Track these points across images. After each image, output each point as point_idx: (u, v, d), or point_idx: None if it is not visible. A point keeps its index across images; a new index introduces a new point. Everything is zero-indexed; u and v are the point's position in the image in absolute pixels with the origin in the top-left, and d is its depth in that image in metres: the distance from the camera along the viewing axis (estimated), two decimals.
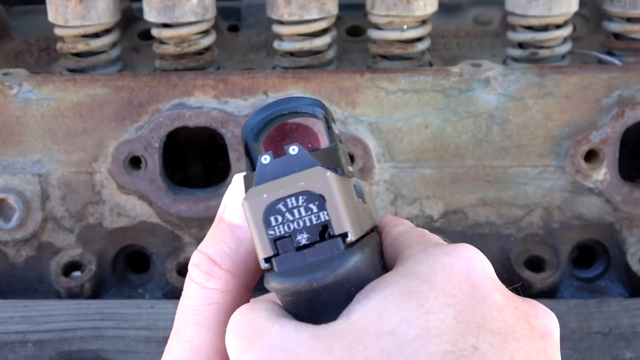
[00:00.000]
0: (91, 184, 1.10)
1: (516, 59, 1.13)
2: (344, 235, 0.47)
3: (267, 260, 0.47)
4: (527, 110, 1.07)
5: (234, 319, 0.48)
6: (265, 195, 0.47)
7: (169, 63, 1.12)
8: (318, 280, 0.46)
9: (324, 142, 0.55)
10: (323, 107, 0.54)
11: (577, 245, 1.12)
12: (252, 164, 0.53)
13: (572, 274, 1.13)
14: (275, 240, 0.47)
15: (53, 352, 0.96)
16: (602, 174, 1.08)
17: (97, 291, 1.11)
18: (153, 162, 1.08)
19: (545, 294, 1.08)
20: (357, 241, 0.48)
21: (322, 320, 0.46)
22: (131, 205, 1.10)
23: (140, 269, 1.15)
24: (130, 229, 1.11)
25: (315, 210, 0.47)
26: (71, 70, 1.13)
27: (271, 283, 0.47)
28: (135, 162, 1.09)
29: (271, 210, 0.47)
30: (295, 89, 1.06)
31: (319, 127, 0.56)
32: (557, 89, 1.06)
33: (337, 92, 1.06)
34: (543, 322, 0.48)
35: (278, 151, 0.52)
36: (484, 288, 0.47)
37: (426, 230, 0.55)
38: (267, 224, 0.47)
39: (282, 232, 0.47)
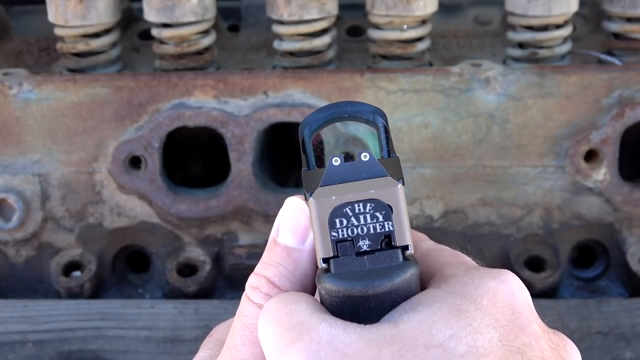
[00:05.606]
0: (91, 184, 1.10)
1: (516, 59, 1.13)
2: (404, 248, 0.48)
3: (325, 260, 0.48)
4: (527, 110, 1.07)
5: (272, 307, 0.49)
6: (334, 197, 0.48)
7: (169, 63, 1.12)
8: (374, 287, 0.47)
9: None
10: (384, 116, 0.54)
11: (577, 245, 1.12)
12: (307, 160, 0.53)
13: (572, 274, 1.13)
14: (336, 242, 0.48)
15: (53, 352, 0.96)
16: (602, 173, 1.08)
17: (97, 291, 1.11)
18: (153, 162, 1.08)
19: (545, 294, 1.08)
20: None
21: (361, 323, 0.47)
22: (131, 205, 1.10)
23: (140, 269, 1.15)
24: (130, 229, 1.11)
25: (381, 219, 0.48)
26: (71, 70, 1.13)
27: (325, 283, 0.48)
28: (135, 162, 1.09)
29: (338, 212, 0.48)
30: (295, 89, 1.06)
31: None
32: (557, 89, 1.06)
33: (337, 92, 1.06)
34: (571, 355, 0.52)
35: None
36: (523, 316, 0.49)
37: (455, 250, 0.57)
38: (332, 225, 0.48)
39: (345, 236, 0.48)
